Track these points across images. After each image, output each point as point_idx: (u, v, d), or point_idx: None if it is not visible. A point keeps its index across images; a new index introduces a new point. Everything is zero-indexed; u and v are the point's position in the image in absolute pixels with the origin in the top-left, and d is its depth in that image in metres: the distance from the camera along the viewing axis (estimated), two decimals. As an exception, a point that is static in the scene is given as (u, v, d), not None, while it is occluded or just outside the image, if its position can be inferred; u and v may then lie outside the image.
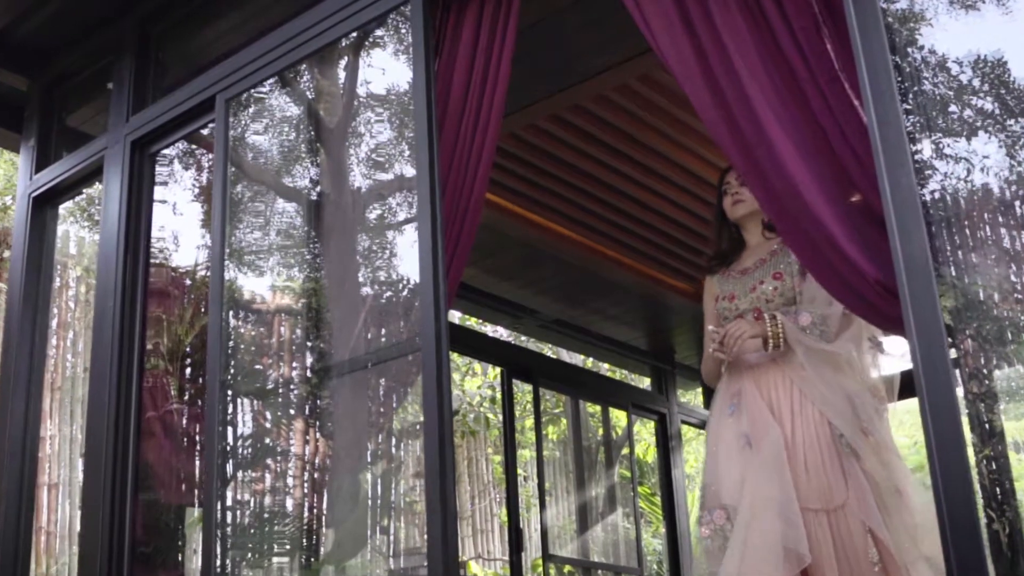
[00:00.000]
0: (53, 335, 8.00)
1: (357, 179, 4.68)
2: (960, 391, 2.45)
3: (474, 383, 12.48)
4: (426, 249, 3.40)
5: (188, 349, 4.86)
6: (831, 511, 3.49)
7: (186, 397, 4.83)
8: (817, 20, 2.90)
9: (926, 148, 2.63)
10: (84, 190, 5.38)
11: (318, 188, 4.69)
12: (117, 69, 5.00)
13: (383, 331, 4.34)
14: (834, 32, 2.86)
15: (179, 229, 5.02)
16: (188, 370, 4.87)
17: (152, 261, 4.82)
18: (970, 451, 2.37)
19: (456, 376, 12.21)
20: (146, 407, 4.59)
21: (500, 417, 9.57)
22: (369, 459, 4.41)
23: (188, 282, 5.05)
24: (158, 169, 4.87)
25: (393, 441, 4.45)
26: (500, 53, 3.75)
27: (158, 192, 4.85)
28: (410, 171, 3.77)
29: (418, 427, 3.64)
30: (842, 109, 2.82)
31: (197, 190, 5.04)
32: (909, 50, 2.71)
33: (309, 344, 4.52)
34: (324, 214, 4.63)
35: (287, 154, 4.87)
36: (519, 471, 10.06)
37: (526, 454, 11.53)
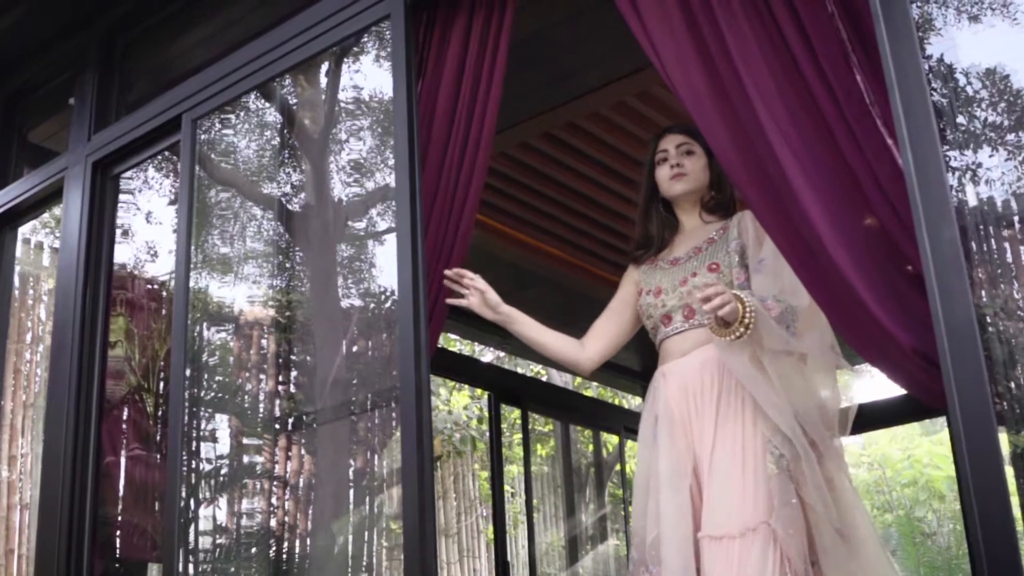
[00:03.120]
0: (26, 350, 7.73)
1: (337, 190, 4.44)
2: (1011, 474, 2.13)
3: (462, 397, 12.18)
4: (407, 300, 3.09)
5: (163, 364, 4.56)
6: (737, 538, 2.92)
7: (159, 414, 4.52)
8: (845, 48, 2.55)
9: (970, 196, 2.32)
10: (46, 212, 5.09)
11: (296, 200, 4.43)
12: (80, 83, 4.69)
13: (369, 343, 4.10)
14: (865, 61, 2.52)
15: (156, 238, 4.76)
16: (162, 384, 4.57)
17: (129, 272, 4.61)
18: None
19: (443, 391, 11.92)
20: (106, 450, 4.30)
21: (487, 437, 9.33)
22: (350, 487, 4.15)
23: (164, 294, 4.73)
24: (134, 174, 4.61)
25: (376, 461, 4.17)
26: (491, 73, 3.42)
27: (133, 199, 4.61)
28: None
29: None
30: (875, 150, 2.47)
31: (174, 196, 4.73)
32: (951, 82, 2.40)
33: (292, 359, 4.29)
34: (302, 227, 4.37)
35: (261, 164, 4.60)
36: (506, 487, 9.82)
37: (513, 470, 11.26)
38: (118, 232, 4.53)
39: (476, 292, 3.43)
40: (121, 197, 4.54)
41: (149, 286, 4.73)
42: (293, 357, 4.29)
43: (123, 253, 4.63)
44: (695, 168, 3.45)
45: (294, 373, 4.30)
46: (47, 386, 4.34)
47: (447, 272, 3.38)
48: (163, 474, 4.18)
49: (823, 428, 3.03)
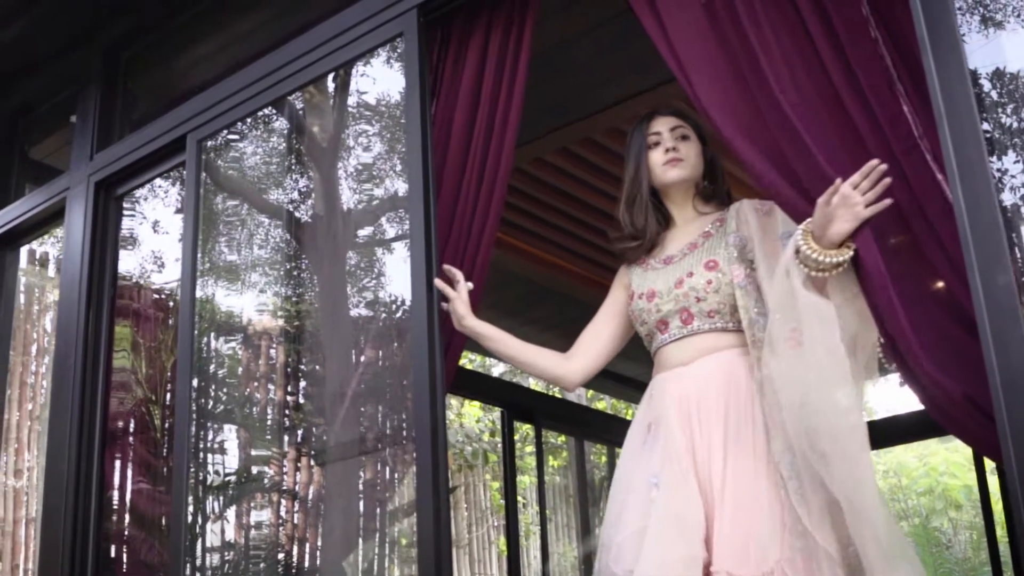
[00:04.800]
0: (32, 362, 7.65)
1: (347, 197, 4.36)
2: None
3: (473, 409, 12.07)
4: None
5: (170, 375, 4.42)
6: None
7: (166, 426, 4.39)
8: (890, 77, 2.38)
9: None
10: (49, 232, 4.98)
11: (305, 209, 4.32)
12: (82, 100, 4.57)
13: (380, 353, 4.01)
14: (912, 91, 2.35)
15: (163, 247, 4.65)
16: (169, 396, 4.43)
17: (135, 283, 4.52)
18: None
19: (454, 402, 11.81)
20: (110, 467, 4.19)
21: (499, 450, 9.25)
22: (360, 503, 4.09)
23: (172, 304, 4.60)
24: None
25: (387, 475, 4.07)
26: (509, 93, 3.25)
27: (140, 207, 4.51)
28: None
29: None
30: (923, 185, 2.31)
31: (180, 204, 4.62)
32: (1003, 112, 2.24)
33: (302, 369, 4.24)
34: (313, 236, 4.28)
35: (269, 171, 4.49)
36: (518, 498, 9.73)
37: (525, 480, 11.14)
38: (124, 242, 4.44)
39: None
40: (126, 205, 4.44)
41: (156, 296, 4.62)
42: (303, 368, 4.20)
43: (130, 262, 4.55)
44: (691, 154, 3.12)
45: (303, 384, 4.22)
46: (50, 406, 4.22)
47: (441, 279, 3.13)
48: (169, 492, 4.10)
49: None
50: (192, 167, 3.90)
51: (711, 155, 3.19)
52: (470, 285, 3.16)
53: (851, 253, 2.49)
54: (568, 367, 3.22)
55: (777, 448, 2.71)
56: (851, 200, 2.42)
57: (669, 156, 3.08)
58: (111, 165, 4.27)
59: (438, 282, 3.10)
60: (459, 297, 3.13)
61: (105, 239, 4.26)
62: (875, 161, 2.39)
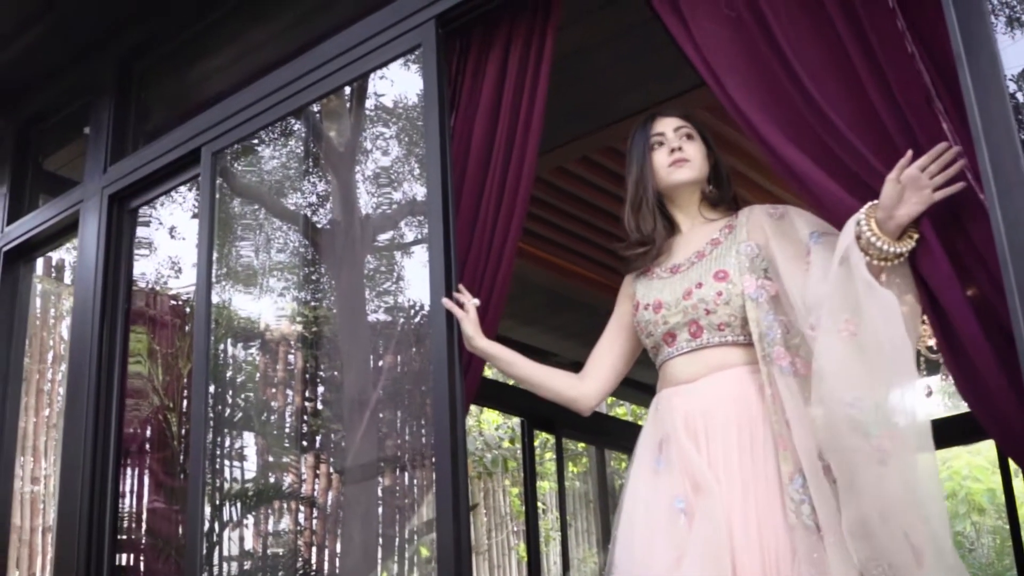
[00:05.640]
0: (48, 369, 7.62)
1: (366, 206, 4.37)
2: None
3: (493, 414, 12.00)
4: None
5: (187, 381, 4.41)
6: None
7: (183, 433, 4.39)
8: (929, 94, 2.29)
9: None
10: (63, 245, 4.93)
11: (323, 217, 4.28)
12: (95, 111, 4.53)
13: (398, 358, 4.03)
14: (951, 107, 2.26)
15: (180, 253, 4.66)
16: (186, 403, 4.42)
17: (151, 290, 4.54)
18: None
19: (474, 407, 11.75)
20: (126, 489, 4.15)
21: (519, 456, 9.21)
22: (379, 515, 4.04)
23: (188, 310, 4.59)
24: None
25: (403, 477, 4.02)
26: (530, 105, 3.18)
27: (157, 213, 4.49)
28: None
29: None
30: (964, 203, 2.23)
31: (197, 209, 4.59)
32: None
33: (317, 377, 4.25)
34: (330, 244, 4.24)
35: (286, 175, 4.44)
36: (538, 504, 9.70)
37: (544, 485, 11.08)
38: (140, 247, 4.43)
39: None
40: (143, 209, 4.39)
41: (174, 302, 4.58)
42: (321, 373, 4.17)
43: (147, 267, 4.55)
44: (697, 155, 2.98)
45: (321, 390, 4.18)
46: (65, 416, 4.17)
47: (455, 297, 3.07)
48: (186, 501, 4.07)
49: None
50: (207, 179, 3.86)
51: (716, 158, 3.06)
52: (476, 302, 3.07)
53: (913, 244, 2.37)
54: (581, 389, 3.10)
55: (788, 470, 2.60)
56: (920, 183, 2.31)
57: (674, 157, 2.95)
58: (125, 178, 4.23)
59: (446, 301, 3.03)
60: (467, 318, 3.04)
61: (119, 252, 4.23)
62: (944, 144, 2.29)
